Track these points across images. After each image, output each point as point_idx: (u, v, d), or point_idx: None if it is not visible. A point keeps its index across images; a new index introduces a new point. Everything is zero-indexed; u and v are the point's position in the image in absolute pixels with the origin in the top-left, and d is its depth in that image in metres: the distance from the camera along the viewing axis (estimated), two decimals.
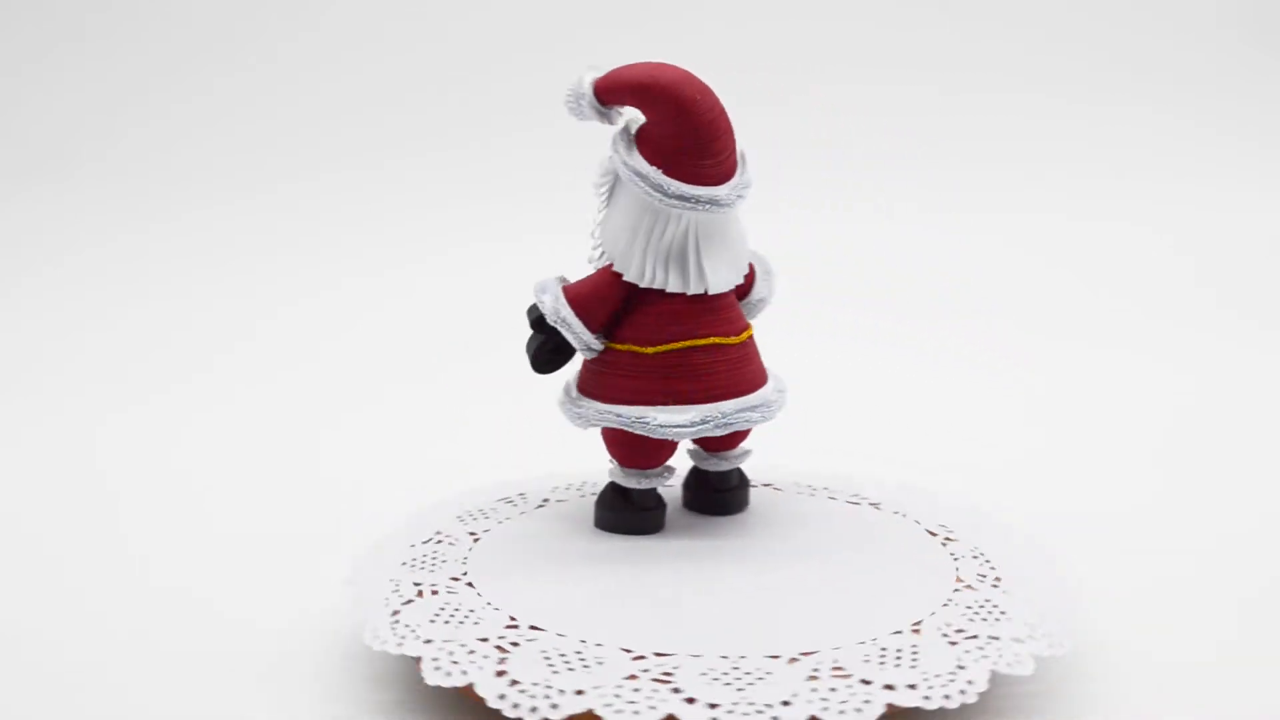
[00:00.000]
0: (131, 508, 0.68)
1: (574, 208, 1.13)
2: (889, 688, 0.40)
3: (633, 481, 0.54)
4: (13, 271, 1.07)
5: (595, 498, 0.56)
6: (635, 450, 0.54)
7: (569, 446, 0.62)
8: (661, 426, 0.52)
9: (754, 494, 0.60)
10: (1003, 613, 0.47)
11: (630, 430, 0.52)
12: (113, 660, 0.50)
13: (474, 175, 1.15)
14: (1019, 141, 1.16)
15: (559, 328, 0.52)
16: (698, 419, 0.52)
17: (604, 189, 0.53)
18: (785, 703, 0.39)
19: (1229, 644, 0.52)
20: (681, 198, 0.50)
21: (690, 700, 0.39)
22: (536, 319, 0.53)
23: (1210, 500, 0.71)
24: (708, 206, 0.50)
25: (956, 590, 0.49)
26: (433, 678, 0.42)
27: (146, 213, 1.13)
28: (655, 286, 0.52)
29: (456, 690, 0.43)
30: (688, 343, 0.52)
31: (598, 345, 0.53)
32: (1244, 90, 1.17)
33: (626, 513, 0.55)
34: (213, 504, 0.69)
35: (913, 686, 0.40)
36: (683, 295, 0.52)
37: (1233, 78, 1.17)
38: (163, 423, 0.83)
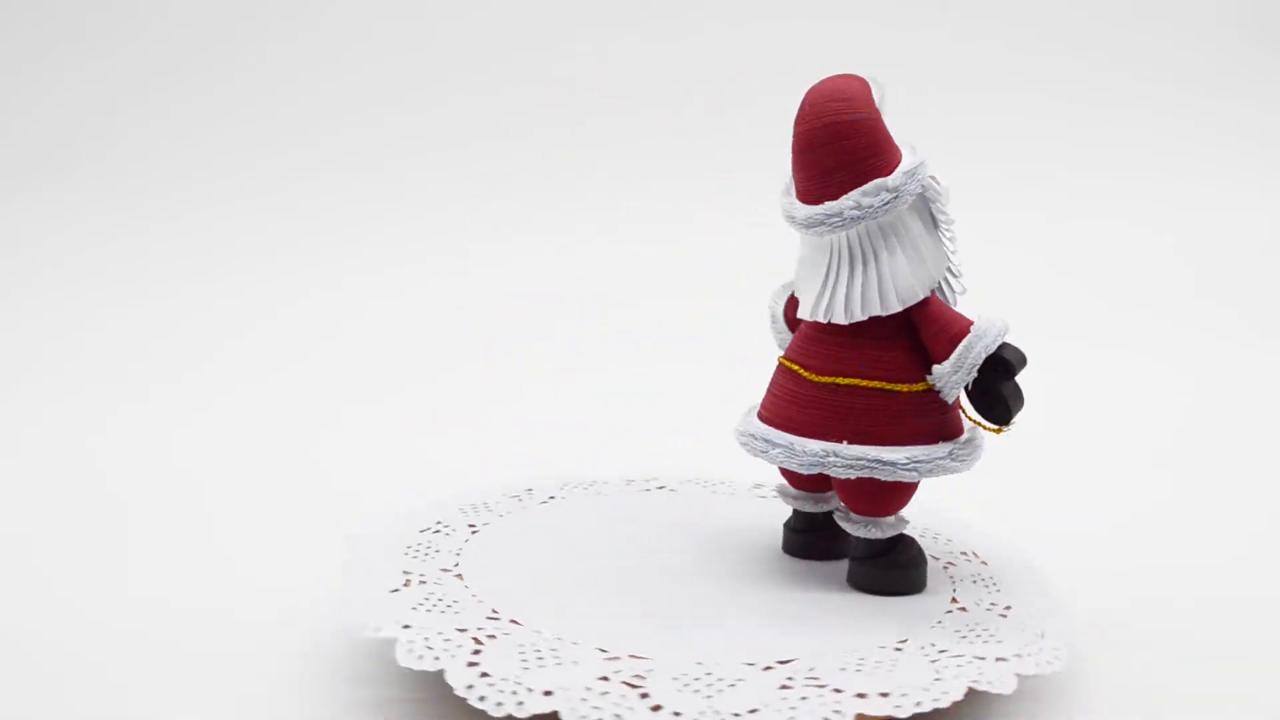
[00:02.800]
0: (131, 504, 0.68)
1: (574, 209, 1.14)
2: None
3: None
4: (13, 271, 1.07)
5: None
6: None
7: (579, 447, 0.62)
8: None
9: (753, 505, 0.60)
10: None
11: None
12: (111, 654, 0.50)
13: (472, 176, 1.15)
14: (1018, 141, 1.16)
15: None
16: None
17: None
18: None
19: (1232, 658, 0.51)
20: None
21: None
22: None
23: (1209, 510, 0.70)
24: None
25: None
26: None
27: (146, 213, 1.13)
28: None
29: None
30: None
31: None
32: (1244, 90, 1.16)
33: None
34: (213, 500, 0.69)
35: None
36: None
37: (1233, 78, 1.16)
38: (163, 420, 0.83)
